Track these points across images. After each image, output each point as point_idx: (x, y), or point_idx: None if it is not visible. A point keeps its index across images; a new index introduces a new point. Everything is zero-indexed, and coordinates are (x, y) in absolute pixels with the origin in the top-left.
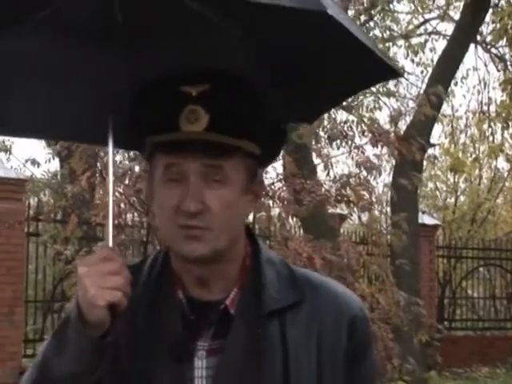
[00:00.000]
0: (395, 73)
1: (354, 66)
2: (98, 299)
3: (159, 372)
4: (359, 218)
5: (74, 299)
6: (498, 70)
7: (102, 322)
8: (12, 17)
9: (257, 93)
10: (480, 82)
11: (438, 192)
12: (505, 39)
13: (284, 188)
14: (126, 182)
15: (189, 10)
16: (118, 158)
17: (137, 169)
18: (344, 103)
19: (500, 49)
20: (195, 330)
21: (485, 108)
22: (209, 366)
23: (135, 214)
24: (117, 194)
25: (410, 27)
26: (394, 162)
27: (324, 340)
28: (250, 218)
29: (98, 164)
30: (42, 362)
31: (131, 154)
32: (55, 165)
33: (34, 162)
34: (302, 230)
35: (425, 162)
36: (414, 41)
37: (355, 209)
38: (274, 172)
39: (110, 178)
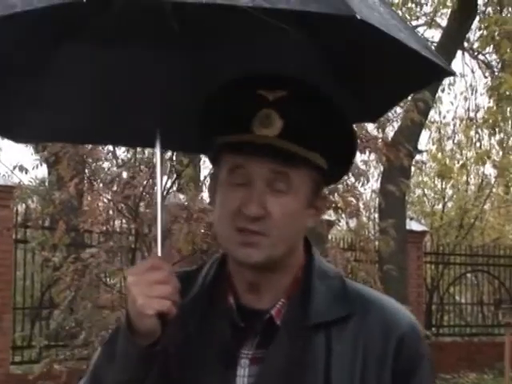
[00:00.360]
0: (446, 72)
1: (401, 68)
2: (146, 308)
3: (208, 379)
4: (347, 224)
5: (61, 307)
6: (485, 77)
7: (151, 331)
8: (70, 24)
9: (333, 106)
10: (467, 88)
11: (425, 198)
12: (492, 46)
13: None
14: (114, 188)
15: (251, 15)
16: (106, 164)
17: (125, 175)
18: None
19: (487, 55)
20: (242, 338)
21: (472, 114)
22: (250, 375)
23: (123, 221)
24: (105, 200)
25: None
26: (381, 168)
27: (370, 357)
28: None
29: (86, 170)
30: (94, 371)
31: (119, 160)
32: (43, 171)
33: (22, 169)
34: None
35: (412, 169)
36: None
37: (343, 215)
38: None
39: (158, 183)
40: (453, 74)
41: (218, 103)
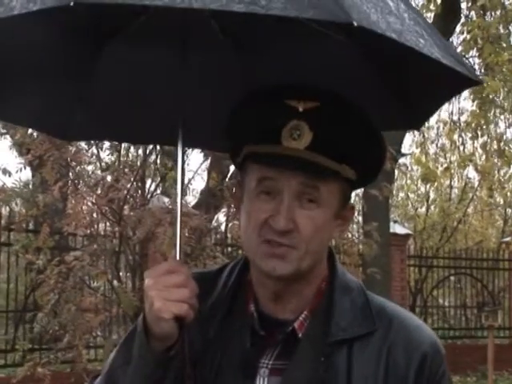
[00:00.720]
0: (473, 81)
1: (427, 77)
2: (163, 312)
3: None
4: None
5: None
6: None
7: (168, 335)
8: (112, 26)
9: (364, 118)
10: None
11: (409, 201)
12: (475, 50)
13: None
14: (99, 191)
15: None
16: (91, 167)
17: (109, 179)
18: None
19: (470, 59)
20: (261, 347)
21: (455, 118)
22: None
23: (107, 224)
24: (89, 203)
25: None
26: None
27: (392, 374)
28: (223, 227)
29: (70, 174)
30: (109, 372)
31: (103, 163)
32: (27, 174)
33: (5, 172)
34: None
35: (396, 172)
36: None
37: None
38: None
39: (179, 184)
40: (480, 82)
41: (247, 112)
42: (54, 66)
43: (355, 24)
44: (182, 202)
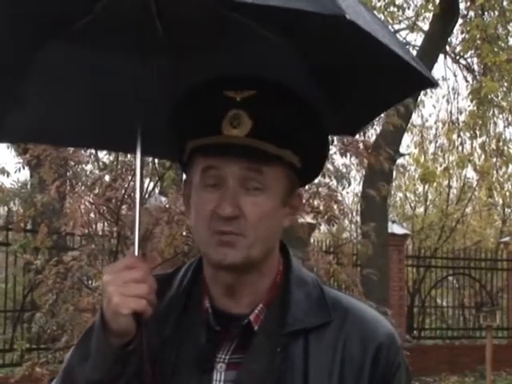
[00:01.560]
0: (429, 81)
1: (387, 75)
2: (121, 307)
3: (182, 382)
4: (328, 227)
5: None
6: (467, 81)
7: (126, 331)
8: (53, 25)
9: (303, 104)
10: (449, 91)
11: (407, 201)
12: (473, 50)
13: None
14: (96, 191)
15: (235, 21)
16: (89, 167)
17: (107, 178)
18: None
19: (469, 59)
20: (218, 342)
21: (454, 118)
22: (227, 380)
23: (105, 224)
24: (86, 203)
25: None
26: (363, 171)
27: (347, 365)
28: None
29: (68, 173)
30: (67, 369)
31: (101, 163)
32: (25, 174)
33: (4, 172)
34: None
35: (394, 172)
36: None
37: (325, 217)
38: None
39: (137, 187)
40: (434, 84)
41: (187, 107)
42: None
43: (347, 17)
44: (141, 205)
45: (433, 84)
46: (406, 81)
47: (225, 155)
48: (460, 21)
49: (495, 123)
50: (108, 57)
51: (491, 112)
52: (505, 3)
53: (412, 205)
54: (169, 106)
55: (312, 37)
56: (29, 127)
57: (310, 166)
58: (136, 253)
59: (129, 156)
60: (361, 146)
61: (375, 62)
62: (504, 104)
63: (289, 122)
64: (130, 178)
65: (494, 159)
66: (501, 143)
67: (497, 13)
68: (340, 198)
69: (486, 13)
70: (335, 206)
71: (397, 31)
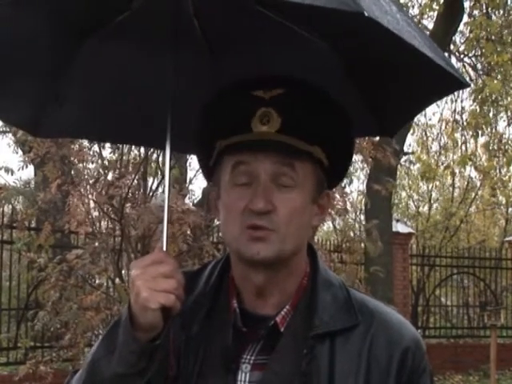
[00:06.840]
0: (461, 83)
1: (420, 75)
2: (150, 302)
3: (208, 382)
4: (333, 224)
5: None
6: (471, 80)
7: (153, 326)
8: (92, 24)
9: (330, 101)
10: None
11: (411, 200)
12: (477, 49)
13: None
14: (99, 189)
15: (273, 21)
16: (93, 165)
17: (110, 176)
18: None
19: (473, 58)
20: (243, 343)
21: (458, 117)
22: (252, 381)
23: (109, 222)
24: (90, 201)
25: None
26: (368, 169)
27: (373, 369)
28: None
29: (72, 171)
30: (91, 363)
31: (105, 161)
32: (29, 172)
33: (8, 170)
34: None
35: (398, 172)
36: None
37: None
38: None
39: (167, 181)
40: (467, 85)
41: (217, 108)
42: (31, 62)
43: (366, 14)
44: (169, 199)
45: (465, 85)
46: (438, 82)
47: (256, 151)
48: (465, 19)
49: (497, 122)
50: (143, 54)
51: (493, 112)
52: (509, 1)
53: (416, 204)
54: (199, 105)
55: (346, 37)
56: (67, 123)
57: (336, 164)
58: (164, 248)
59: (132, 154)
60: (365, 143)
61: (406, 61)
62: (506, 102)
63: (316, 119)
64: (133, 176)
65: (497, 158)
66: (503, 142)
67: (501, 11)
68: (348, 191)
69: (491, 12)
70: (342, 201)
71: None
